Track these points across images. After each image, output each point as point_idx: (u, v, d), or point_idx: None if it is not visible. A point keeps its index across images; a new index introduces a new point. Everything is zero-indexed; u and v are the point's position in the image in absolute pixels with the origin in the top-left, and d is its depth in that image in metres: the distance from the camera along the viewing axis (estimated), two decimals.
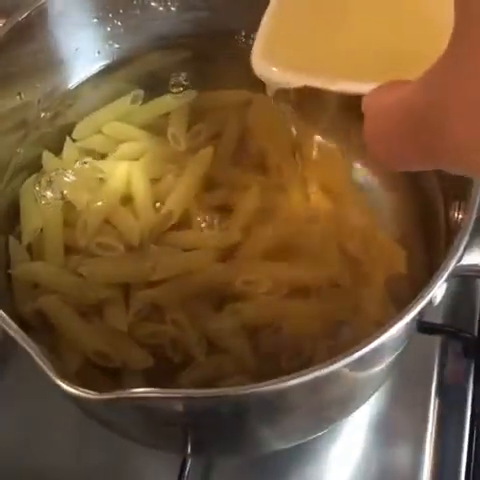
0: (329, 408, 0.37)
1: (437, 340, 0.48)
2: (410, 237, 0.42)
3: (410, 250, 0.41)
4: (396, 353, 0.38)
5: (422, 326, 0.44)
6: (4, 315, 0.30)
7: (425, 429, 0.45)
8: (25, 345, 0.29)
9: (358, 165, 0.44)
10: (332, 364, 0.28)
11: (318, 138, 0.45)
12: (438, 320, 0.47)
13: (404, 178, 0.42)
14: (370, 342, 0.29)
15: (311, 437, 0.40)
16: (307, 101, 0.44)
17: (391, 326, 0.29)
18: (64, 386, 0.28)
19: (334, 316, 0.40)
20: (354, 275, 0.41)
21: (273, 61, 0.29)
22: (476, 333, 0.47)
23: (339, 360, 0.28)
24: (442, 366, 0.47)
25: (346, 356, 0.28)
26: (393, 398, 0.46)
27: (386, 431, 0.45)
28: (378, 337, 0.29)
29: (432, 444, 0.45)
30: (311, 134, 0.45)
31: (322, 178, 0.43)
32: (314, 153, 0.45)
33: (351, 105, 0.43)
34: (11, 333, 0.29)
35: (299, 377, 0.28)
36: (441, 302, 0.47)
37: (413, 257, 0.41)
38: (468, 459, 0.45)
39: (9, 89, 0.41)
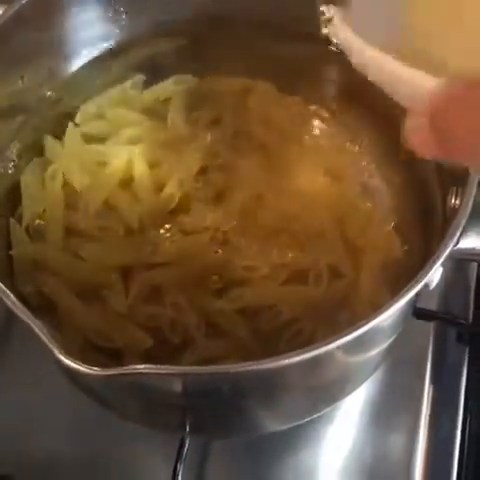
0: (325, 389, 0.38)
1: (432, 327, 0.48)
2: (408, 224, 0.42)
3: (407, 237, 0.42)
4: (392, 337, 0.39)
5: (417, 312, 0.45)
6: (8, 292, 0.30)
7: (419, 414, 0.46)
8: (29, 321, 0.29)
9: (357, 149, 0.44)
10: (329, 344, 0.29)
11: (318, 123, 0.46)
12: (433, 307, 0.48)
13: (403, 165, 0.43)
14: (366, 324, 0.29)
15: (307, 419, 0.41)
16: None
17: (387, 308, 0.30)
18: (67, 361, 0.28)
19: (332, 300, 0.41)
20: (352, 260, 0.41)
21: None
22: (470, 320, 0.48)
23: (335, 340, 0.29)
24: (437, 352, 0.48)
25: (342, 336, 0.29)
26: (388, 384, 0.47)
27: (381, 416, 0.46)
28: (374, 319, 0.30)
29: (426, 429, 0.46)
30: (311, 119, 0.45)
31: (322, 163, 0.44)
32: (314, 138, 0.45)
33: (353, 91, 0.44)
34: (15, 310, 0.30)
35: (296, 356, 0.28)
36: (436, 289, 0.48)
37: (410, 244, 0.42)
38: (461, 444, 0.45)
39: (11, 73, 0.41)
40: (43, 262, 0.40)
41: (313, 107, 0.46)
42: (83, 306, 0.39)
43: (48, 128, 0.44)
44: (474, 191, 0.32)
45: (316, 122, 0.46)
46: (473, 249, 0.33)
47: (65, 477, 0.44)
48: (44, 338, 0.29)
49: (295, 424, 0.41)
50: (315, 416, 0.42)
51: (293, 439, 0.45)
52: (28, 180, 0.42)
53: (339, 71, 0.44)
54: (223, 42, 0.46)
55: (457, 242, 0.32)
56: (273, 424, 0.41)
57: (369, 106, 0.44)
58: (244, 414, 0.37)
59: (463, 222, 0.31)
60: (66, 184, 0.42)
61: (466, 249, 0.33)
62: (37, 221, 0.42)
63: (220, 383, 0.31)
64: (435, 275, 0.33)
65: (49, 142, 0.44)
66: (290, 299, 0.40)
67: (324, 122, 0.46)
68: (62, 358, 0.29)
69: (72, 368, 0.29)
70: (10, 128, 0.42)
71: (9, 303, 0.30)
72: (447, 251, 0.31)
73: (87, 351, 0.38)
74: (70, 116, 0.45)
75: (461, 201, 0.32)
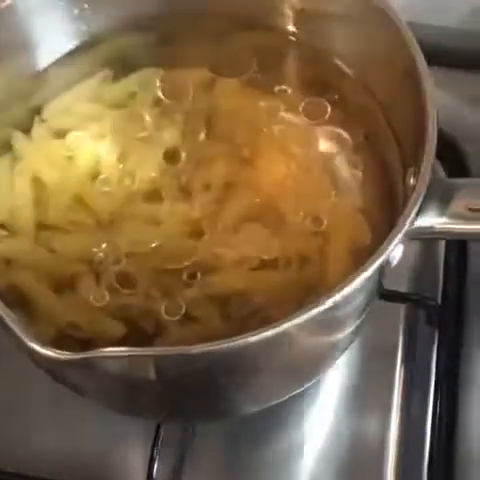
0: (295, 370, 0.38)
1: (402, 310, 0.49)
2: (374, 208, 0.43)
3: (374, 221, 0.43)
4: (359, 319, 0.40)
5: (386, 294, 0.45)
6: None
7: (392, 396, 0.47)
8: (2, 313, 0.30)
9: (323, 138, 0.45)
10: (283, 323, 0.30)
11: (284, 114, 0.46)
12: (403, 289, 0.49)
13: (366, 148, 0.43)
14: (327, 299, 0.30)
15: (282, 399, 0.41)
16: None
17: (341, 289, 0.31)
18: (36, 347, 0.29)
19: (301, 286, 0.41)
20: (321, 247, 0.42)
21: None
22: (439, 300, 0.49)
23: (290, 320, 0.30)
24: (407, 335, 0.49)
25: (297, 316, 0.30)
26: (362, 368, 0.48)
27: (357, 399, 0.47)
28: (333, 296, 0.30)
29: (398, 409, 0.47)
30: (277, 111, 0.46)
31: (289, 152, 0.44)
32: (280, 129, 0.46)
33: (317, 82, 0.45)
34: None
35: (252, 336, 0.30)
36: (405, 270, 0.50)
37: (378, 228, 0.43)
38: (433, 423, 0.46)
39: None
40: (15, 257, 0.41)
41: (278, 99, 0.47)
42: (56, 298, 0.40)
43: (17, 124, 0.44)
44: (430, 169, 0.33)
45: (281, 113, 0.46)
46: (431, 227, 0.34)
47: (43, 470, 0.44)
48: (15, 328, 0.30)
49: (270, 405, 0.42)
50: (294, 400, 0.43)
51: (274, 423, 0.46)
52: None
53: (302, 63, 0.45)
54: (191, 36, 0.47)
55: (414, 221, 0.33)
56: (247, 406, 0.41)
57: (334, 95, 0.45)
58: (217, 396, 0.37)
59: (419, 199, 0.32)
60: (35, 179, 0.43)
61: (424, 228, 0.34)
62: (7, 217, 0.42)
63: (187, 364, 0.32)
64: (395, 253, 0.34)
65: (18, 138, 0.44)
66: (259, 285, 0.41)
67: (289, 113, 0.47)
68: (32, 345, 0.29)
69: (42, 354, 0.29)
70: None
71: None
72: (404, 230, 0.32)
73: (60, 342, 0.39)
74: (39, 112, 0.45)
75: (417, 179, 0.33)
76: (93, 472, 0.45)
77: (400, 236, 0.32)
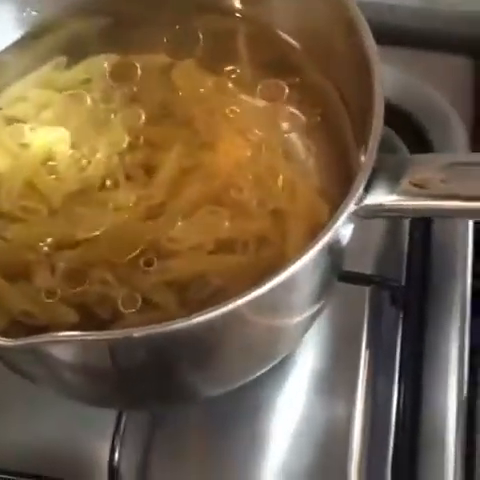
0: (253, 352, 0.38)
1: (367, 291, 0.49)
2: (332, 189, 0.43)
3: (332, 200, 0.42)
4: (318, 301, 0.40)
5: (349, 276, 0.45)
6: None
7: (357, 376, 0.47)
8: None
9: (279, 119, 0.45)
10: (231, 303, 0.29)
11: (240, 96, 0.46)
12: (367, 271, 0.49)
13: (322, 128, 0.43)
14: (268, 282, 0.30)
15: (241, 383, 0.41)
16: None
17: (287, 268, 0.31)
18: None
19: (259, 268, 0.41)
20: (279, 228, 0.42)
21: None
22: (404, 282, 0.49)
23: (239, 299, 0.29)
24: (372, 317, 0.49)
25: (246, 295, 0.30)
26: (326, 349, 0.48)
27: (322, 380, 0.47)
28: (278, 276, 0.30)
29: (364, 390, 0.47)
30: (234, 92, 0.46)
31: (246, 134, 0.44)
32: (236, 111, 0.45)
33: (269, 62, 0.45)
34: None
35: (201, 315, 0.29)
36: (369, 252, 0.49)
37: (335, 208, 0.42)
38: (397, 403, 0.46)
39: None
40: None
41: (234, 81, 0.46)
42: (9, 286, 0.39)
43: None
44: (376, 146, 0.33)
45: (239, 95, 0.46)
46: (380, 205, 0.34)
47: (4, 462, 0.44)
48: None
49: (235, 388, 0.42)
50: (261, 383, 0.43)
51: (241, 407, 0.46)
52: None
53: (255, 41, 0.45)
54: (145, 20, 0.47)
55: (363, 198, 0.33)
56: (208, 389, 0.41)
57: (291, 75, 0.44)
58: (173, 381, 0.37)
59: (365, 176, 0.32)
60: None
61: (373, 205, 0.33)
62: None
63: (133, 350, 0.31)
64: (345, 232, 0.34)
65: None
66: (217, 268, 0.41)
67: (246, 95, 0.46)
68: None
69: None
70: None
71: None
72: (350, 205, 0.31)
73: (13, 331, 0.38)
74: None
75: (365, 157, 0.33)
76: (58, 463, 0.45)
77: (346, 214, 0.31)
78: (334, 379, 0.47)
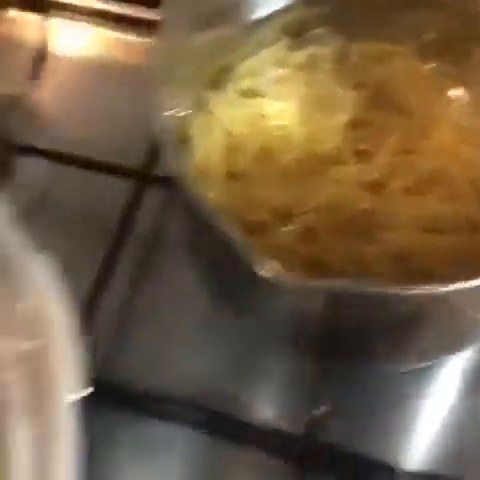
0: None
1: None
2: None
3: None
4: None
5: None
6: None
7: None
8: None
9: None
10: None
11: (455, 90, 0.49)
12: None
13: None
14: None
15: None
16: None
17: None
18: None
19: (471, 252, 0.43)
20: None
21: None
22: None
23: None
24: None
25: None
26: None
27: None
28: None
29: None
30: (449, 86, 0.49)
31: (462, 124, 0.47)
32: (450, 104, 0.48)
33: None
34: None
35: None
36: None
37: None
38: None
39: None
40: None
41: (451, 76, 0.49)
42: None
43: (210, 83, 0.48)
44: None
45: (453, 90, 0.49)
46: None
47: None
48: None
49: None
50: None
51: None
52: (194, 132, 0.46)
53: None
54: (366, 9, 0.50)
55: None
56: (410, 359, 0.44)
57: None
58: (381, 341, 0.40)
59: None
60: (227, 134, 0.47)
61: None
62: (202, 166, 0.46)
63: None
64: None
65: (211, 97, 0.48)
66: (430, 246, 0.44)
67: (459, 89, 0.49)
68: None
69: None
70: None
71: None
72: None
73: None
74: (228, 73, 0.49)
75: None
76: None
77: None
78: None
